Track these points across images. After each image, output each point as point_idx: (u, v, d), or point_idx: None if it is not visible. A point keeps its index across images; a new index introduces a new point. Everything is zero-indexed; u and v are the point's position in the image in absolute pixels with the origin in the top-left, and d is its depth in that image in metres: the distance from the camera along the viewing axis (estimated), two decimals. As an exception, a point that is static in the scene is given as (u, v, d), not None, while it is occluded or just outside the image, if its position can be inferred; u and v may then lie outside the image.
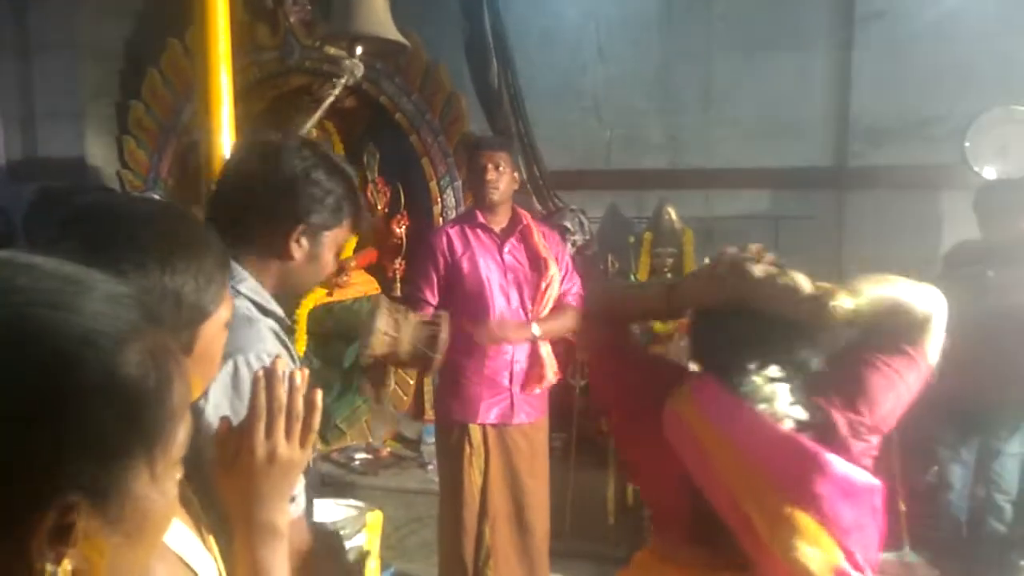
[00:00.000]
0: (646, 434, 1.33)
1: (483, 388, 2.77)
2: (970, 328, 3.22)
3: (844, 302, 1.20)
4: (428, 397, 4.05)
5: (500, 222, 2.83)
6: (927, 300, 1.30)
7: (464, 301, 2.75)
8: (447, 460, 2.85)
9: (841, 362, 1.32)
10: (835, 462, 1.20)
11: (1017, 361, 3.06)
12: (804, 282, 1.22)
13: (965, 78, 3.73)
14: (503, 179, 2.76)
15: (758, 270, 1.24)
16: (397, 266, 4.15)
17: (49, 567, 0.48)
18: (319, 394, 0.91)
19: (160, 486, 0.56)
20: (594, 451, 3.61)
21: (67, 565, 0.49)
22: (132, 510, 0.54)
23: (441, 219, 4.00)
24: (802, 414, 1.25)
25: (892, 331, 1.30)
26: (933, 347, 1.32)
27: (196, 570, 0.85)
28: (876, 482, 1.25)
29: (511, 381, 2.78)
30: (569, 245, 3.91)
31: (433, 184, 4.05)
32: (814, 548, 1.19)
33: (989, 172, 3.74)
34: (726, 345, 1.29)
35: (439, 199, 4.04)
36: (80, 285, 0.53)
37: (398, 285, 4.13)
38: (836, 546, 1.20)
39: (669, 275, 3.85)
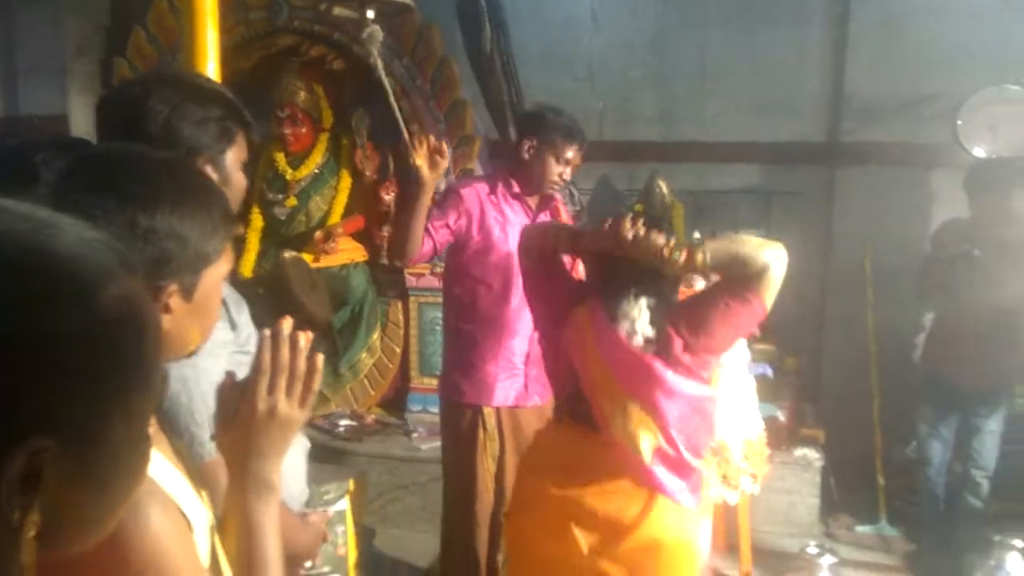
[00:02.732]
0: (555, 331, 1.87)
1: (499, 368, 2.60)
2: (955, 306, 3.27)
3: (679, 256, 1.67)
4: (414, 364, 4.05)
5: (533, 195, 2.68)
6: (765, 255, 1.65)
7: (484, 270, 2.59)
8: (457, 446, 2.66)
9: (697, 298, 1.83)
10: (663, 371, 1.69)
11: (1000, 339, 3.09)
12: (660, 240, 1.69)
13: (958, 56, 3.72)
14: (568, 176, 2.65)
15: (630, 231, 1.69)
16: (384, 233, 4.11)
17: (16, 515, 0.47)
18: (320, 358, 0.94)
19: (134, 434, 0.55)
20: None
21: (35, 514, 0.48)
22: (105, 457, 0.53)
23: (430, 187, 3.96)
24: (651, 332, 1.73)
25: (734, 278, 1.69)
26: (769, 294, 1.68)
27: (188, 516, 0.86)
28: (706, 391, 1.75)
29: (527, 361, 2.64)
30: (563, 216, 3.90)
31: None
32: (640, 430, 1.67)
33: (979, 151, 3.75)
34: (610, 280, 1.78)
35: (429, 166, 4.00)
36: (54, 228, 0.52)
37: (385, 252, 4.10)
38: (659, 431, 1.68)
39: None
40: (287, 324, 0.92)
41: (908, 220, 3.81)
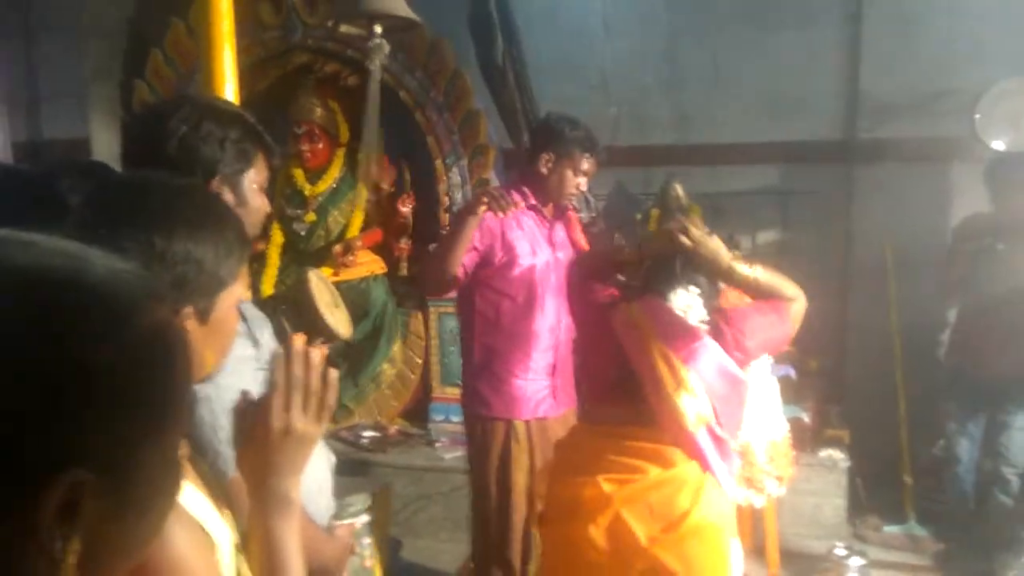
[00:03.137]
0: (597, 328, 2.02)
1: (527, 381, 2.61)
2: (979, 301, 3.23)
3: (735, 260, 1.93)
4: (435, 374, 4.07)
5: (548, 204, 2.69)
6: (797, 290, 1.96)
7: (507, 283, 2.60)
8: (488, 459, 2.63)
9: (740, 307, 2.02)
10: (716, 348, 1.85)
11: (1026, 335, 3.05)
12: (720, 243, 1.93)
13: (974, 50, 3.68)
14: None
15: (693, 235, 1.91)
16: (403, 245, 4.14)
17: (57, 545, 0.48)
18: (335, 373, 0.95)
19: (167, 460, 0.56)
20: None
21: (75, 544, 0.49)
22: (140, 485, 0.54)
23: (447, 198, 3.98)
24: (704, 316, 1.91)
25: (771, 296, 1.96)
26: (796, 317, 1.95)
27: (213, 536, 0.87)
28: (744, 376, 1.90)
29: (552, 372, 2.64)
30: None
31: (439, 162, 4.02)
32: (691, 398, 1.79)
33: (999, 145, 3.71)
34: (672, 274, 1.95)
35: (444, 177, 4.02)
36: (82, 261, 0.53)
37: (404, 265, 4.13)
38: (709, 405, 1.80)
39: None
40: (299, 341, 0.93)
41: (928, 216, 3.77)
